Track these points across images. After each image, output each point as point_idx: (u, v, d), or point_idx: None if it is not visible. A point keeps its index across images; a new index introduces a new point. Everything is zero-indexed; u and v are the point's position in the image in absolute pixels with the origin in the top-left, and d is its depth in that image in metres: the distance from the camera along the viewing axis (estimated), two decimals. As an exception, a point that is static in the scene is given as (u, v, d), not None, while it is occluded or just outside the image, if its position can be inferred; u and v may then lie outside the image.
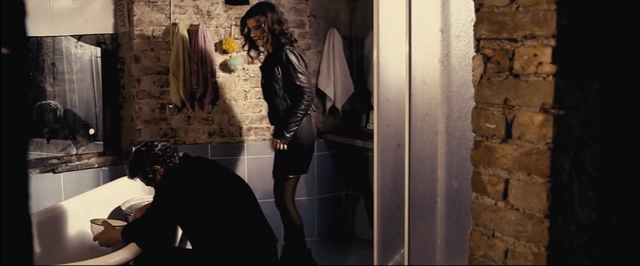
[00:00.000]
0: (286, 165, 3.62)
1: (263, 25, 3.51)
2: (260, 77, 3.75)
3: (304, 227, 3.76)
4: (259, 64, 4.08)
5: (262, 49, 3.71)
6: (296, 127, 3.50)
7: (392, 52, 2.47)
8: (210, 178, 2.93)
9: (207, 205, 2.83)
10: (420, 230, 2.40)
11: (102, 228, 2.97)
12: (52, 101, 4.65)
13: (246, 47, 3.80)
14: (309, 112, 3.55)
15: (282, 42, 3.53)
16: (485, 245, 1.60)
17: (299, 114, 3.48)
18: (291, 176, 3.65)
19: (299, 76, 3.48)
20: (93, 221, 3.06)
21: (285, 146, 3.48)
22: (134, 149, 3.09)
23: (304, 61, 3.57)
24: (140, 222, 2.89)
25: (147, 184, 3.03)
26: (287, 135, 3.47)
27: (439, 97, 2.28)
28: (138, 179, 3.07)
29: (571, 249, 1.50)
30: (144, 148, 2.98)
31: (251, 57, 4.04)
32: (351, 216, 4.79)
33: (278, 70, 3.50)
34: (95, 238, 2.97)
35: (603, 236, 1.57)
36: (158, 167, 2.92)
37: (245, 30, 3.62)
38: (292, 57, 3.48)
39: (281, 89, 3.53)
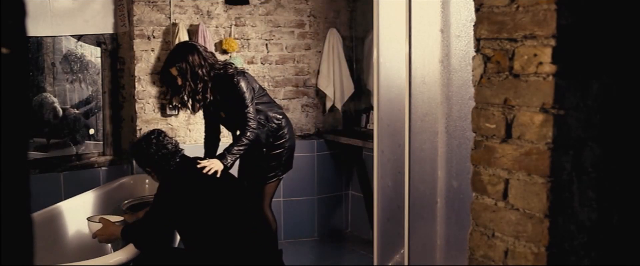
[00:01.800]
0: (274, 168, 3.48)
1: (185, 72, 3.23)
2: (216, 115, 3.48)
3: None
4: (182, 109, 4.04)
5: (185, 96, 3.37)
6: (238, 156, 3.28)
7: (392, 52, 2.47)
8: (209, 180, 2.93)
9: (206, 207, 2.83)
10: (420, 230, 2.40)
11: (100, 225, 2.95)
12: (50, 95, 4.64)
13: (168, 96, 3.52)
14: (254, 141, 3.30)
15: (226, 74, 3.30)
16: (485, 245, 1.60)
17: (242, 146, 3.25)
18: (277, 179, 3.53)
19: (248, 104, 3.27)
20: (90, 219, 3.04)
21: (218, 171, 3.11)
22: (143, 134, 3.04)
23: (252, 88, 3.34)
24: (141, 223, 2.89)
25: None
26: (227, 164, 3.18)
27: (439, 97, 2.28)
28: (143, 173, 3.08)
29: (571, 249, 1.50)
30: (154, 139, 2.94)
31: (175, 105, 3.84)
32: (351, 216, 4.79)
33: (233, 104, 3.31)
34: (94, 236, 2.95)
35: (603, 236, 1.56)
36: (149, 169, 2.95)
37: (167, 79, 3.33)
38: (242, 86, 3.26)
39: (240, 117, 3.32)
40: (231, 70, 3.32)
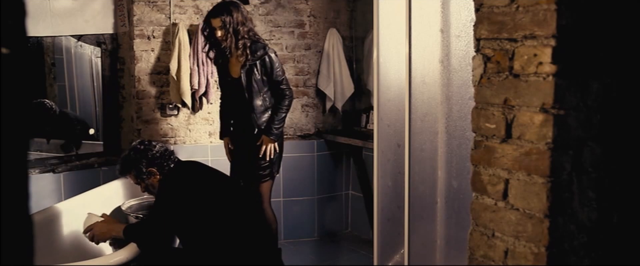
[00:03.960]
0: (265, 168, 3.50)
1: (228, 25, 3.31)
2: (228, 77, 3.51)
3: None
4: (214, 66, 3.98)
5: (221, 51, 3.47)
6: (282, 126, 3.45)
7: (392, 52, 2.47)
8: (209, 181, 2.93)
9: (206, 208, 2.82)
10: (420, 230, 2.40)
11: (99, 218, 2.92)
12: (47, 100, 4.64)
13: (206, 48, 3.57)
14: (289, 107, 3.49)
15: (259, 42, 3.41)
16: (485, 245, 1.60)
17: (283, 113, 3.42)
18: (270, 178, 3.54)
19: (281, 75, 3.42)
20: (91, 213, 3.00)
21: (277, 146, 3.42)
22: (131, 145, 3.01)
23: (280, 64, 3.50)
24: (146, 223, 2.88)
25: (137, 183, 2.96)
26: (276, 132, 3.41)
27: (439, 97, 2.28)
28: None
29: (571, 249, 1.50)
30: (141, 147, 2.91)
31: (210, 58, 3.72)
32: (351, 216, 4.79)
33: (257, 70, 3.37)
34: (86, 230, 2.89)
35: (603, 236, 1.57)
36: (154, 169, 2.87)
37: (208, 30, 3.40)
38: (274, 58, 3.39)
39: (262, 90, 3.40)
40: (263, 42, 3.46)
